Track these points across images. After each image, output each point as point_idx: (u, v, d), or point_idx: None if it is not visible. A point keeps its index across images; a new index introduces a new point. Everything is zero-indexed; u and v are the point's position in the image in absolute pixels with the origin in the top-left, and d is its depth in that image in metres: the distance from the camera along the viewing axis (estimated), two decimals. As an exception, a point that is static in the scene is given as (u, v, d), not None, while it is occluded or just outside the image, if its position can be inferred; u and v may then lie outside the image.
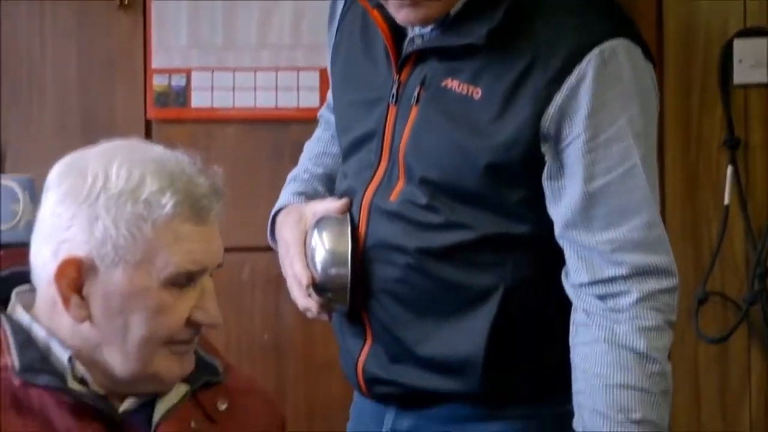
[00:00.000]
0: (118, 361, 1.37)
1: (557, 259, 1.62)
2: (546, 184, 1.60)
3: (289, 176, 1.89)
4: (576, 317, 1.60)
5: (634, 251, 1.56)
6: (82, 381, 1.37)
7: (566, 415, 1.64)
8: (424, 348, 1.67)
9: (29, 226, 2.05)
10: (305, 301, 1.71)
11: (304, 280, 1.69)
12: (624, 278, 1.56)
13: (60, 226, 1.36)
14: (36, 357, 1.35)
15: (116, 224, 1.33)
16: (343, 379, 1.81)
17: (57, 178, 1.38)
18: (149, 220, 1.34)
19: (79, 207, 1.35)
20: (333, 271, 1.69)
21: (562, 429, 1.65)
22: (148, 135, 2.76)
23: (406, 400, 1.71)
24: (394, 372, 1.70)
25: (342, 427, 1.89)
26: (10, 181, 2.03)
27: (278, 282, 2.61)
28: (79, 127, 2.78)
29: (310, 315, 1.74)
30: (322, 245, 1.69)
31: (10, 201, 2.03)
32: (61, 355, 1.36)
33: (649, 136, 1.61)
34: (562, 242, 1.60)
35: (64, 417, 1.34)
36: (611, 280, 1.57)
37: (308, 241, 1.71)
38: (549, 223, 1.61)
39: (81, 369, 1.37)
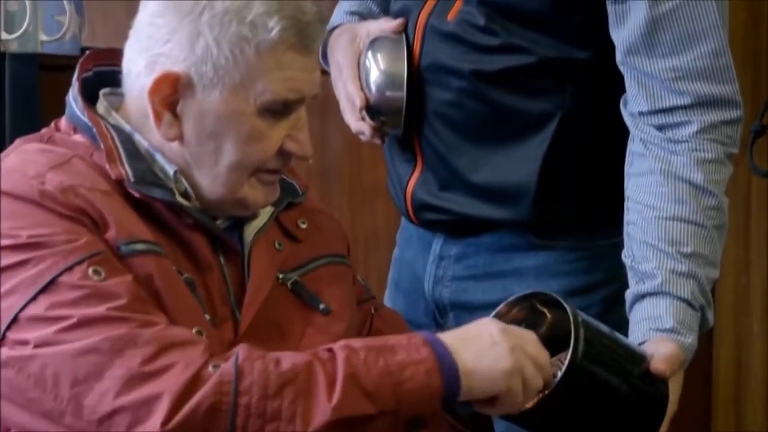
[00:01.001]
0: (206, 183, 1.35)
1: (617, 87, 1.59)
2: (610, 7, 1.55)
3: (343, -6, 1.86)
4: (633, 147, 1.57)
5: (698, 80, 1.52)
6: (184, 196, 1.36)
7: (615, 247, 1.62)
8: (476, 175, 1.66)
9: (75, 39, 2.05)
10: (358, 123, 1.69)
11: (358, 101, 1.67)
12: (685, 108, 1.53)
13: (158, 39, 1.32)
14: (146, 169, 1.34)
15: (219, 43, 1.30)
16: (389, 205, 1.81)
17: None
18: (253, 43, 1.30)
19: (181, 21, 1.31)
20: (388, 93, 1.66)
21: (611, 261, 1.64)
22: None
23: (455, 227, 1.71)
24: (443, 199, 1.69)
25: (387, 254, 1.90)
26: (56, -7, 2.00)
27: (325, 106, 2.59)
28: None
29: (363, 138, 1.72)
30: (376, 66, 1.67)
31: (56, 13, 2.00)
32: (167, 168, 1.35)
33: None
34: (623, 69, 1.57)
35: (176, 227, 1.34)
36: (672, 109, 1.53)
37: (362, 62, 1.69)
38: (610, 50, 1.57)
39: (185, 184, 1.36)
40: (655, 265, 1.49)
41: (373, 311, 1.56)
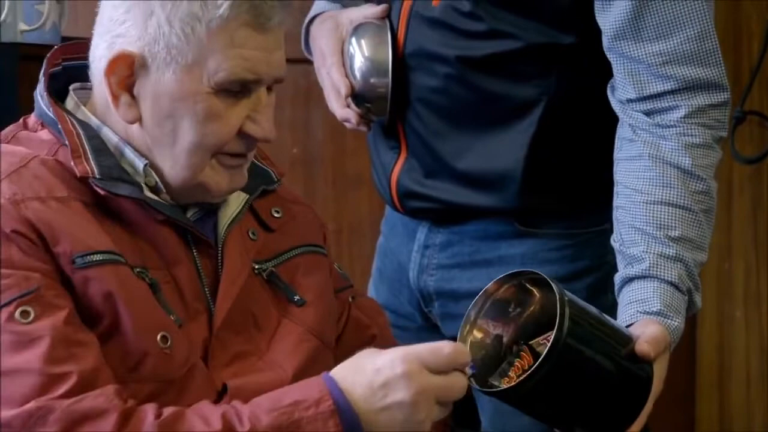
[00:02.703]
0: (168, 167, 1.32)
1: (603, 72, 1.57)
2: (596, -9, 1.53)
3: (323, -16, 1.83)
4: (621, 132, 1.55)
5: (684, 64, 1.50)
6: (153, 189, 1.33)
7: (600, 234, 1.62)
8: (461, 162, 1.63)
9: (55, 28, 2.01)
10: (344, 111, 1.66)
11: (343, 89, 1.64)
12: (673, 93, 1.51)
13: (116, 19, 1.30)
14: (113, 164, 1.31)
15: (170, 22, 1.27)
16: (373, 194, 1.79)
17: None
18: (204, 21, 1.27)
19: (134, 0, 1.29)
20: (373, 79, 1.64)
21: (596, 249, 1.64)
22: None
23: (440, 215, 1.69)
24: (428, 186, 1.67)
25: (372, 243, 1.87)
26: (35, -19, 1.96)
27: (308, 95, 2.57)
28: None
29: (348, 126, 1.69)
30: (361, 53, 1.64)
31: (35, 1, 1.96)
32: (136, 162, 1.32)
33: None
34: (610, 55, 1.54)
35: (144, 225, 1.31)
36: (659, 95, 1.51)
37: (346, 49, 1.66)
38: (596, 34, 1.55)
39: (155, 177, 1.33)
40: (643, 248, 1.47)
41: (350, 300, 1.53)
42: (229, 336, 1.33)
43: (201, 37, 1.27)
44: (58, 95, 1.37)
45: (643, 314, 1.44)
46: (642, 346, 1.36)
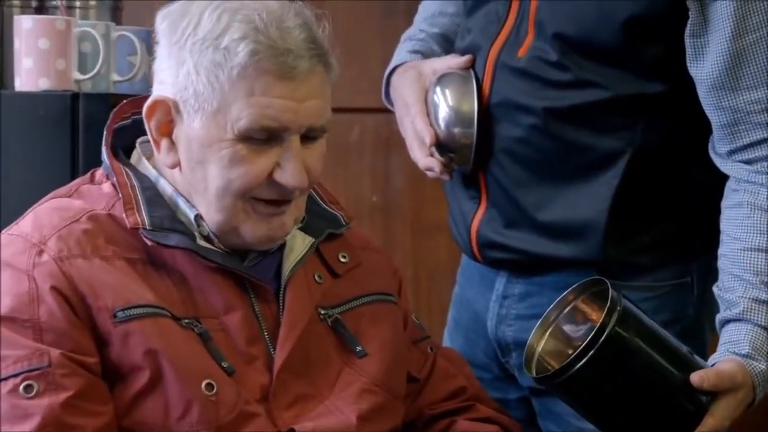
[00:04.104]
0: (204, 211, 1.32)
1: (688, 122, 1.53)
2: (688, 41, 1.48)
3: (403, 36, 1.80)
4: (728, 183, 1.53)
5: None
6: (208, 238, 1.33)
7: (681, 287, 1.59)
8: (543, 212, 1.59)
9: (146, 78, 2.00)
10: (427, 160, 1.63)
11: (427, 138, 1.61)
12: None
13: (159, 67, 1.32)
14: (165, 215, 1.31)
15: (197, 70, 1.27)
16: (451, 242, 1.75)
17: (162, 16, 1.33)
18: (226, 69, 1.26)
19: (171, 48, 1.30)
20: (457, 129, 1.60)
21: (676, 301, 1.60)
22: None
23: (519, 265, 1.64)
24: (509, 236, 1.62)
25: (448, 291, 1.83)
26: (127, 33, 1.95)
27: (388, 143, 2.55)
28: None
29: (431, 175, 1.65)
30: (445, 103, 1.61)
31: (127, 53, 1.96)
32: (188, 213, 1.32)
33: None
34: (706, 107, 1.50)
35: (197, 274, 1.30)
36: (759, 142, 1.48)
37: (430, 98, 1.63)
38: (684, 84, 1.51)
39: (207, 227, 1.32)
40: (739, 294, 1.47)
41: (430, 350, 1.50)
42: (290, 378, 1.31)
43: (224, 85, 1.27)
44: (127, 149, 1.37)
45: (732, 354, 1.43)
46: (696, 374, 1.36)
